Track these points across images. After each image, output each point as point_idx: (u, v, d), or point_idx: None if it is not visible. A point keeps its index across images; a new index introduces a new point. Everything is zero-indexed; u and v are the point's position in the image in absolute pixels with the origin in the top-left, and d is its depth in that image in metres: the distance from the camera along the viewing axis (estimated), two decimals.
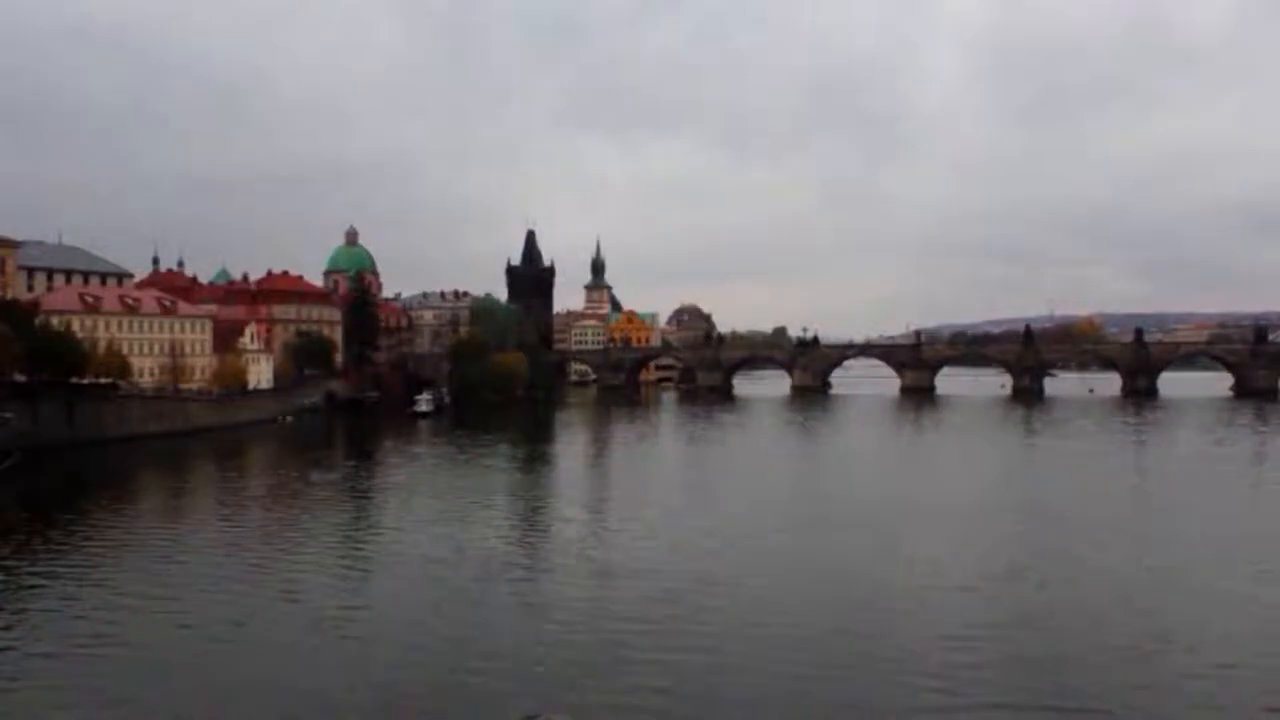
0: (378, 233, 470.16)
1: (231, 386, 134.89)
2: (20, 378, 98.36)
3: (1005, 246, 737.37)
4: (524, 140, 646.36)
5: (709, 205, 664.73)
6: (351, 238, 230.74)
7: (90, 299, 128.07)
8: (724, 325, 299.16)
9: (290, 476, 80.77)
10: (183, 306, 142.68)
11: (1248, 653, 31.87)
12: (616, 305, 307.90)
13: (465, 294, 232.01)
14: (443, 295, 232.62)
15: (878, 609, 37.43)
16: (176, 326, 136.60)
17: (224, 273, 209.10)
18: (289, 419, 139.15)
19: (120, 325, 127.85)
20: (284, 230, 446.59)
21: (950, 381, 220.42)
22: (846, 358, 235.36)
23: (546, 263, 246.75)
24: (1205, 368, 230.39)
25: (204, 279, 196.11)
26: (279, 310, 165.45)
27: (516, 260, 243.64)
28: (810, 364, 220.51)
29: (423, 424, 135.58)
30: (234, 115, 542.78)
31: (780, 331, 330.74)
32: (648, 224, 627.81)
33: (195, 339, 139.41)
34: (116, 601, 39.47)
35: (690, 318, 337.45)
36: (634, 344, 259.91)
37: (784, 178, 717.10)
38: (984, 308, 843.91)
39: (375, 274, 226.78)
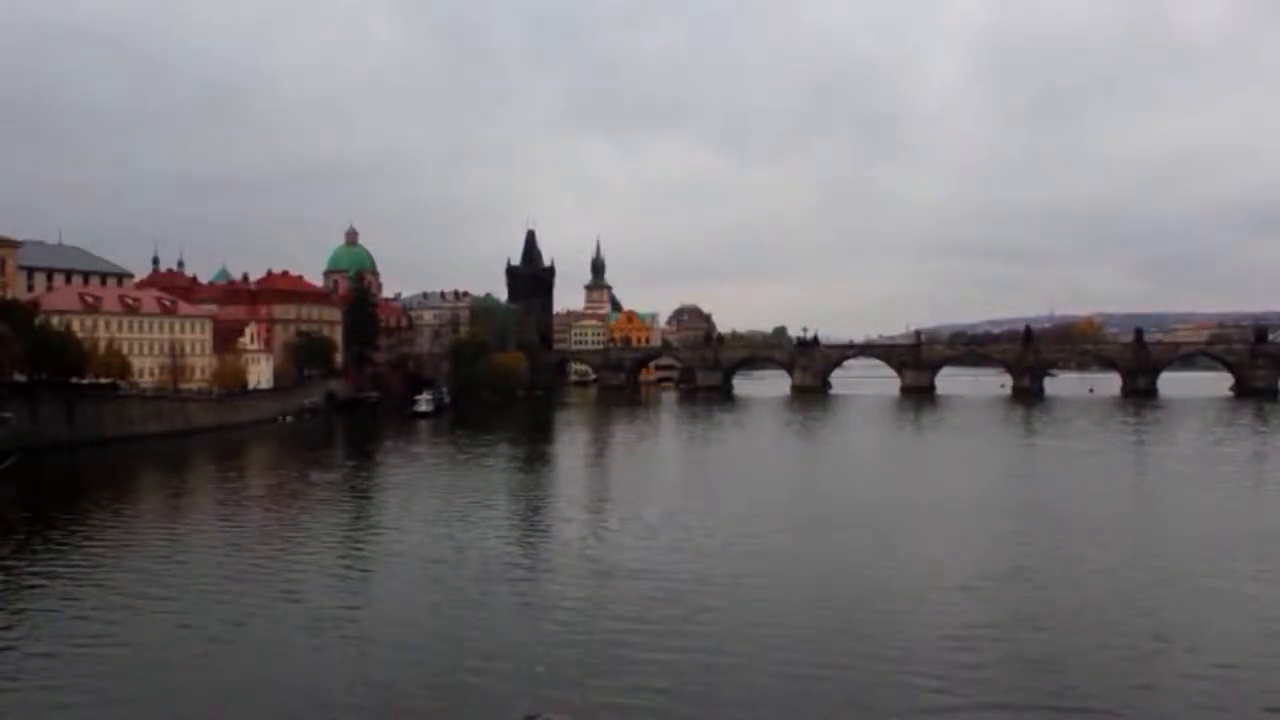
0: (378, 233, 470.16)
1: (231, 386, 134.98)
2: (20, 378, 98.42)
3: (1005, 246, 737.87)
4: (524, 140, 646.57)
5: (709, 205, 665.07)
6: (351, 238, 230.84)
7: (90, 299, 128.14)
8: (724, 325, 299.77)
9: (290, 476, 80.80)
10: (183, 306, 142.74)
11: (1248, 653, 31.90)
12: (616, 305, 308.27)
13: (465, 294, 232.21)
14: (443, 295, 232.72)
15: (877, 609, 37.45)
16: (176, 326, 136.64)
17: (224, 273, 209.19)
18: (289, 419, 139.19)
19: (120, 325, 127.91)
20: (284, 230, 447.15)
21: (950, 381, 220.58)
22: (846, 358, 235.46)
23: (546, 263, 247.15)
24: (1205, 368, 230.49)
25: (204, 279, 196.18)
26: (279, 310, 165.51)
27: (516, 260, 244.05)
28: (810, 364, 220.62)
29: (423, 424, 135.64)
30: (234, 115, 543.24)
31: (780, 331, 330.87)
32: (648, 224, 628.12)
33: (195, 339, 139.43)
34: (116, 601, 39.50)
35: (690, 318, 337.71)
36: (634, 344, 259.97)
37: (784, 178, 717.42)
38: (984, 308, 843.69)
39: (375, 274, 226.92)
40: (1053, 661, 30.94)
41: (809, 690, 28.53)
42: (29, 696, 28.90)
